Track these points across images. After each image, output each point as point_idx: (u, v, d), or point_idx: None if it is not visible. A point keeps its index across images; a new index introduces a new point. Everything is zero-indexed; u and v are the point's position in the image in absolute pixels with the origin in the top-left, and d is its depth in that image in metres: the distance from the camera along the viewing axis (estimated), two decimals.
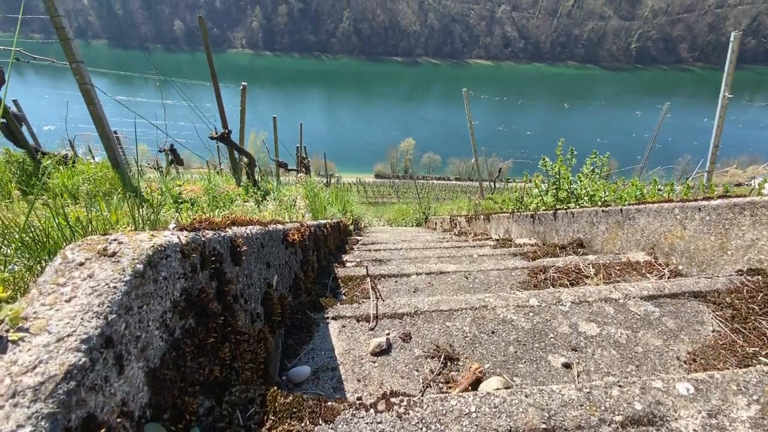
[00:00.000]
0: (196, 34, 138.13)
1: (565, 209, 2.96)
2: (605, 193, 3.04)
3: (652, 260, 2.12)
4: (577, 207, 2.95)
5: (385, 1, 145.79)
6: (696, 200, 1.88)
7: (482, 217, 3.75)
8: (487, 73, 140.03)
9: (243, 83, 5.04)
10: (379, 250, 3.15)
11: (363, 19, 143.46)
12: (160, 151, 6.86)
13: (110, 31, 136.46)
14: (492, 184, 8.33)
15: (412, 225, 7.80)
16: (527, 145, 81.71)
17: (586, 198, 3.19)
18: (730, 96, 4.04)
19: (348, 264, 2.54)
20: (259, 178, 4.28)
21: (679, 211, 1.96)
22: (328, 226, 2.61)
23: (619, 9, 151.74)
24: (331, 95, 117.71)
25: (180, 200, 3.01)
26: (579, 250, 2.66)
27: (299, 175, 6.67)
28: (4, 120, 3.04)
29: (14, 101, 8.77)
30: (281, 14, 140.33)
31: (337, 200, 3.80)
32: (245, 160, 3.66)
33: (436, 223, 6.83)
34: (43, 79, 77.44)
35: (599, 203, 2.92)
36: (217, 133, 3.37)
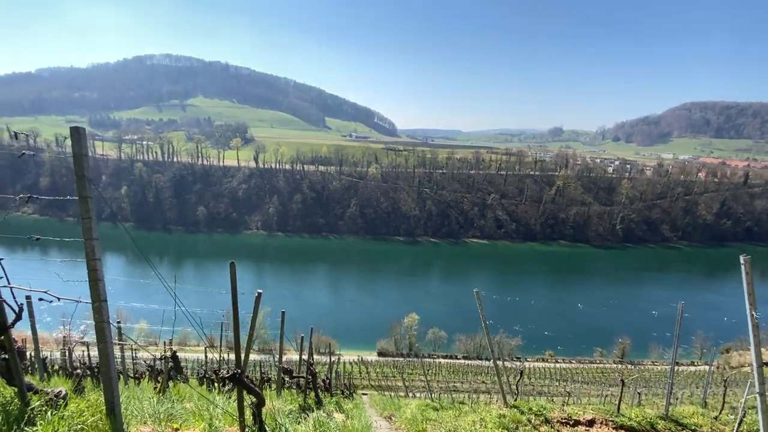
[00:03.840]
0: (216, 218, 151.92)
1: None
2: None
3: None
4: None
5: (388, 191, 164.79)
6: None
7: None
8: (484, 251, 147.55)
9: (258, 290, 5.06)
10: None
11: (368, 205, 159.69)
12: (159, 359, 6.54)
13: (138, 215, 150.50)
14: (514, 387, 7.64)
15: None
16: (534, 319, 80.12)
17: None
18: (758, 316, 3.94)
19: None
20: (266, 416, 3.84)
21: None
22: None
23: (598, 196, 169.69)
24: (337, 271, 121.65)
25: None
26: None
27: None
28: (6, 357, 2.87)
29: (27, 298, 8.72)
30: (296, 201, 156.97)
31: None
32: (254, 399, 3.35)
33: None
34: (63, 254, 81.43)
35: None
36: (228, 372, 3.16)
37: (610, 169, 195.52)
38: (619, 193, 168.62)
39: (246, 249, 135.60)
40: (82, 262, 2.76)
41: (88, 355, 12.86)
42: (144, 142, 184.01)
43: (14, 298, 2.89)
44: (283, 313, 8.88)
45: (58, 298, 2.76)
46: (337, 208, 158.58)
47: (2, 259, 2.79)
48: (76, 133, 2.97)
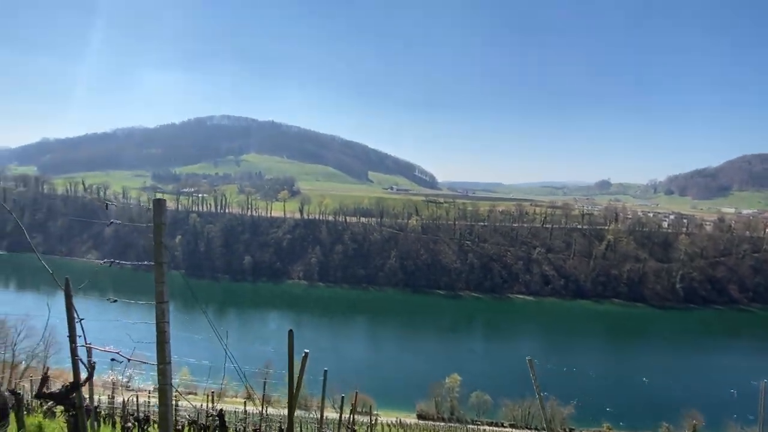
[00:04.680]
0: (261, 267, 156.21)
1: None
2: None
3: None
4: None
5: (428, 243, 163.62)
6: None
7: None
8: (530, 308, 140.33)
9: (305, 350, 5.10)
10: None
11: (408, 257, 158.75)
12: (207, 416, 6.58)
13: (189, 262, 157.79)
14: None
15: None
16: (589, 385, 73.54)
17: None
18: None
19: None
20: None
21: None
22: None
23: (653, 252, 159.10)
24: (376, 323, 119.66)
25: None
26: None
27: None
28: (75, 414, 3.03)
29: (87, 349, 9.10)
30: (337, 252, 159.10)
31: None
32: None
33: None
34: (118, 307, 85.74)
35: None
36: None
37: (665, 224, 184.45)
38: (676, 249, 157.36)
39: (287, 298, 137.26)
40: (146, 323, 2.94)
41: (136, 402, 13.14)
42: (200, 195, 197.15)
43: (89, 356, 3.09)
44: (325, 371, 8.80)
45: (128, 359, 2.92)
46: (377, 260, 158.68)
47: (83, 319, 3.03)
48: (158, 205, 3.27)
